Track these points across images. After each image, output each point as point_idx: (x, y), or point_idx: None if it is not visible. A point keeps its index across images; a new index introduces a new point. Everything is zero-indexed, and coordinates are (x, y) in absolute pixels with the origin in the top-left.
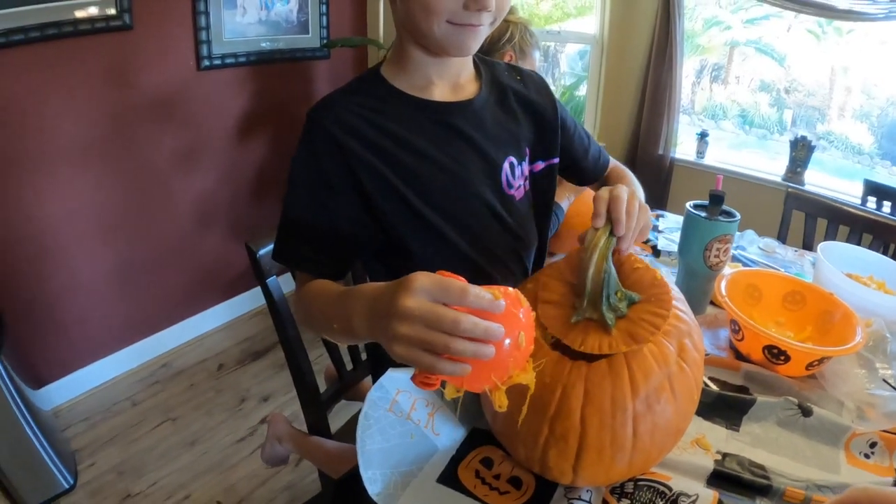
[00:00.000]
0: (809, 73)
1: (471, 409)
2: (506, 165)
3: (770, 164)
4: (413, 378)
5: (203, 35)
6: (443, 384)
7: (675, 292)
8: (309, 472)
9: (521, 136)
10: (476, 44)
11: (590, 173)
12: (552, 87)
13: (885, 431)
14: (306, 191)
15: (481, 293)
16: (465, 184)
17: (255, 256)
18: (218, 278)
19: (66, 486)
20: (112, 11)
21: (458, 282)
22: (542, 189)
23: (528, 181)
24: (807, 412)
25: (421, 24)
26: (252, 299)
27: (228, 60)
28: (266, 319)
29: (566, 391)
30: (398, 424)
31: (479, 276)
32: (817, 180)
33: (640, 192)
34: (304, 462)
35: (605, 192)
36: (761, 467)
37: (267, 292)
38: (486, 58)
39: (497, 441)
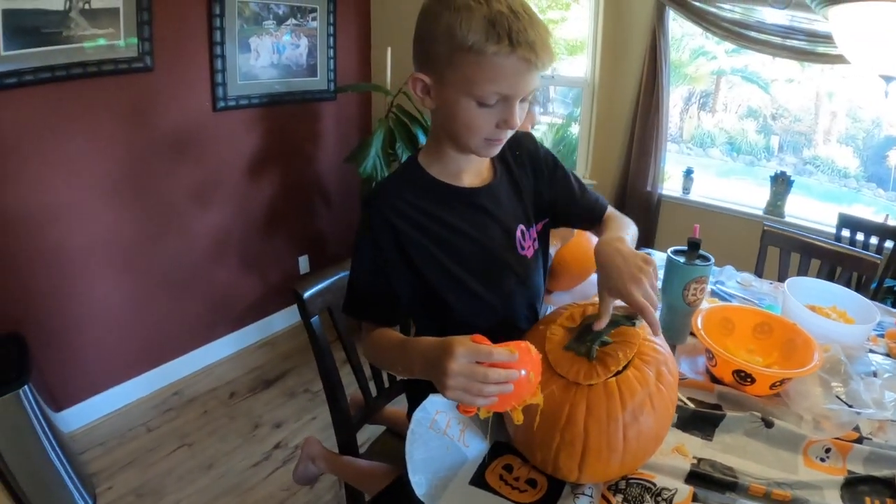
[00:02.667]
0: (795, 99)
1: (493, 425)
2: (518, 232)
3: (756, 191)
4: (458, 408)
5: (219, 77)
6: (478, 409)
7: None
8: (324, 493)
9: (528, 205)
10: (499, 149)
11: (581, 220)
12: (540, 147)
13: (837, 439)
14: (368, 261)
15: (501, 351)
16: (490, 251)
17: (301, 299)
18: (228, 309)
19: None
20: (134, 53)
21: (485, 346)
22: (544, 243)
23: (536, 241)
24: (769, 424)
25: (461, 137)
26: (259, 330)
27: (242, 102)
28: (273, 350)
29: (572, 407)
30: (437, 439)
31: (501, 322)
32: (803, 207)
33: (631, 229)
34: (319, 485)
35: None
36: (730, 469)
37: (310, 330)
38: None
39: (515, 451)
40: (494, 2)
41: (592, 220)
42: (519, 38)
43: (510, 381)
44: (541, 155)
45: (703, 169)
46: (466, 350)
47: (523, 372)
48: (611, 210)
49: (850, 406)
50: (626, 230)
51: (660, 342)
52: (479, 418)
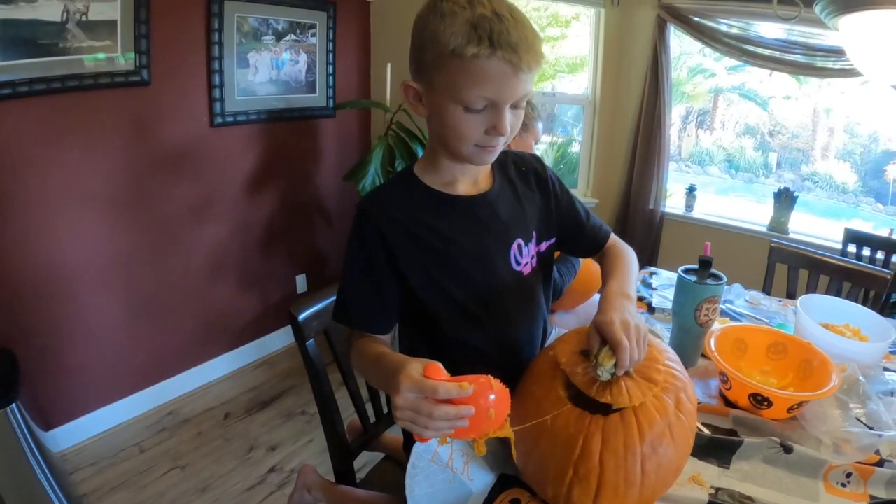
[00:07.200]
0: (793, 115)
1: (499, 457)
2: (514, 246)
3: (757, 208)
4: (413, 435)
5: (217, 93)
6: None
7: (671, 353)
8: None
9: (528, 221)
10: (493, 157)
11: (586, 247)
12: (547, 168)
13: (859, 463)
14: (358, 269)
15: (449, 387)
16: (482, 262)
17: (296, 322)
18: (224, 328)
19: None
20: (131, 67)
21: (432, 381)
22: (546, 265)
23: (535, 259)
24: (788, 450)
25: (452, 143)
26: (256, 350)
27: (240, 118)
28: (270, 370)
29: (587, 439)
30: (440, 472)
31: (492, 340)
32: (804, 223)
33: (635, 271)
34: None
35: (617, 334)
36: (750, 498)
37: (305, 353)
38: None
39: (523, 483)
40: (479, 6)
41: (596, 247)
42: (500, 39)
43: (462, 417)
44: (548, 176)
45: (703, 187)
46: (411, 384)
47: (476, 407)
48: (613, 239)
49: (871, 428)
50: (631, 277)
51: (678, 367)
52: (439, 445)
